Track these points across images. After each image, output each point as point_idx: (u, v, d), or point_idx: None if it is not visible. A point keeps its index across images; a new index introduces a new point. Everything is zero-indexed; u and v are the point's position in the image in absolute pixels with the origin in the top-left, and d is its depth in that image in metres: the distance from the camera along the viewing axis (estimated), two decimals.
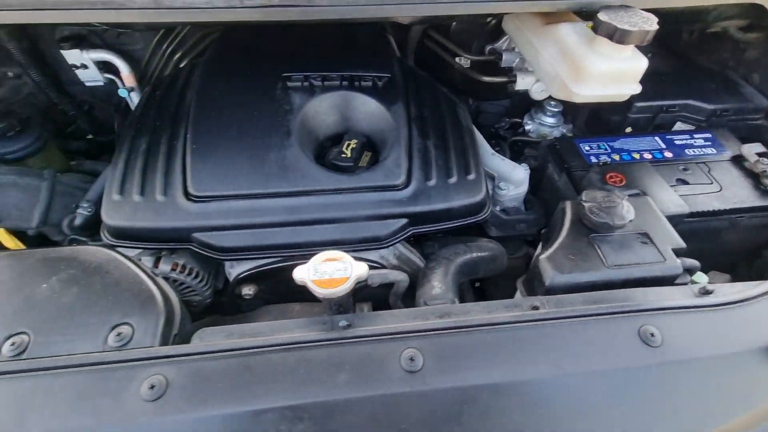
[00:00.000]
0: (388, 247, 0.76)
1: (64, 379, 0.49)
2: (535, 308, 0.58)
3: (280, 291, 0.81)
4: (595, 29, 0.70)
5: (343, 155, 0.80)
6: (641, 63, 0.73)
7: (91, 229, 0.91)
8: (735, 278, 0.91)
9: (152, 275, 0.60)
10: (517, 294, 0.74)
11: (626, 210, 0.67)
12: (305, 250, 0.73)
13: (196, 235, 0.71)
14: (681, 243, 0.69)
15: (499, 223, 0.95)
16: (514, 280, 0.99)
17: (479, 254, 0.79)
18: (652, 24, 0.69)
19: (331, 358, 0.53)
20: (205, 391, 0.50)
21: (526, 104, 1.41)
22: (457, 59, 1.17)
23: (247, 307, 0.83)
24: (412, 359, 0.52)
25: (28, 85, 1.29)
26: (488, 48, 1.16)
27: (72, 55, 1.18)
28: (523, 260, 1.06)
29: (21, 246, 0.80)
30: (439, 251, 0.78)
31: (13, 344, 0.52)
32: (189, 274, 0.82)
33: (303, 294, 0.82)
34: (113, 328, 0.54)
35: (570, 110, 1.29)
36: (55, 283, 0.56)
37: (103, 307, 0.55)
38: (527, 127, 1.29)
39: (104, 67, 1.23)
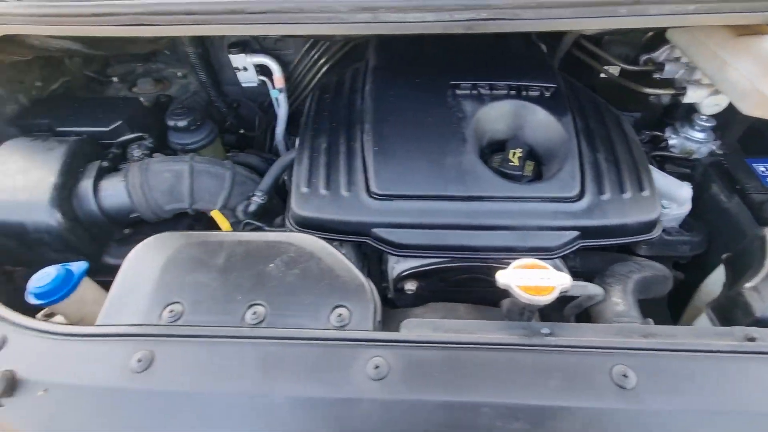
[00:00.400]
0: (555, 258, 0.76)
1: (299, 350, 0.56)
2: (752, 340, 0.55)
3: (439, 289, 0.84)
4: None
5: (510, 163, 0.81)
6: None
7: (261, 214, 1.02)
8: None
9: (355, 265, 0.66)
10: (703, 319, 0.70)
11: None
12: (475, 254, 0.76)
13: (375, 230, 0.77)
14: None
15: (661, 244, 0.90)
16: (653, 302, 0.94)
17: (653, 274, 0.76)
18: None
19: (538, 363, 0.54)
20: (421, 378, 0.53)
21: (660, 117, 1.32)
22: (606, 68, 1.13)
23: (402, 302, 0.87)
24: (625, 376, 0.52)
25: (193, 85, 1.47)
26: (644, 58, 1.11)
27: (237, 59, 1.33)
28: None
29: (230, 228, 0.92)
30: (613, 267, 0.76)
31: (254, 313, 0.60)
32: None
33: (459, 294, 0.85)
34: (333, 309, 0.60)
35: (721, 125, 1.19)
36: (280, 264, 0.64)
37: (322, 288, 0.62)
38: (671, 142, 1.21)
39: (260, 70, 1.37)
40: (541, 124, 0.84)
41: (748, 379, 0.51)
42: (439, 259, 0.78)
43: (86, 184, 0.92)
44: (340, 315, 0.59)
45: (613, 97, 1.21)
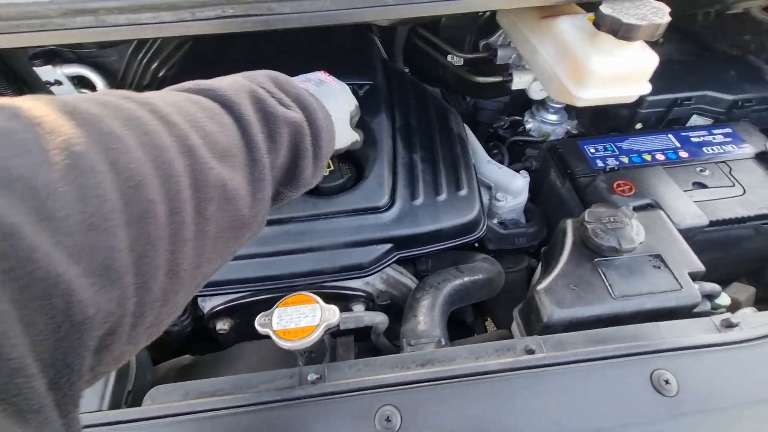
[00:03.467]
0: (372, 275, 0.69)
1: None
2: (531, 352, 0.51)
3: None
4: (597, 24, 0.62)
5: None
6: (650, 60, 0.65)
7: None
8: (760, 291, 0.83)
9: None
10: (514, 326, 0.67)
11: (636, 230, 0.59)
12: (279, 283, 0.67)
13: None
14: (699, 266, 0.61)
15: (497, 238, 0.87)
16: (514, 295, 0.92)
17: (471, 278, 0.72)
18: (663, 15, 0.60)
19: (297, 418, 0.47)
20: None
21: (527, 100, 1.32)
22: (448, 57, 1.09)
23: (225, 340, 0.78)
24: (388, 419, 0.46)
25: None
26: (482, 43, 1.07)
27: (45, 72, 1.13)
28: (524, 273, 0.99)
29: None
30: (428, 278, 0.71)
31: None
32: None
33: None
34: None
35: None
36: None
37: None
38: (528, 126, 1.20)
39: (80, 82, 1.18)
40: None
41: (519, 402, 0.47)
42: (243, 293, 0.69)
43: None
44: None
45: (475, 85, 1.17)
